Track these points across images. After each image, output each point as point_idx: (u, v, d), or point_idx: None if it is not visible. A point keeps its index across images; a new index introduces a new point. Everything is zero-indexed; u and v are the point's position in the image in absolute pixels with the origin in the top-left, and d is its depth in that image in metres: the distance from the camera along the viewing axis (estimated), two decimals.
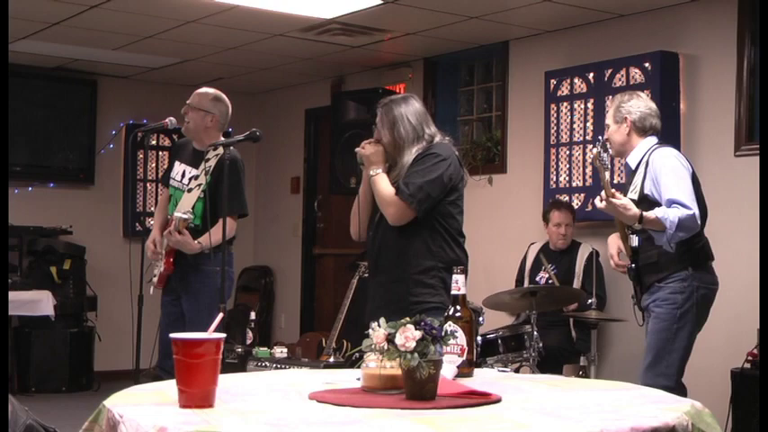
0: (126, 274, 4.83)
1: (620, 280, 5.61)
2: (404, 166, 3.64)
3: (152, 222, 4.98)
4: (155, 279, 4.80)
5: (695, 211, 4.00)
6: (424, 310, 3.44)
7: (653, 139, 4.27)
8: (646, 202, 4.06)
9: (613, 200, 3.94)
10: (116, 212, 8.66)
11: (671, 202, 4.00)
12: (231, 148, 4.43)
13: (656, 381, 3.88)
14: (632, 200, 4.12)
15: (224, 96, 4.85)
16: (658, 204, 4.04)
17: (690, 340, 4.17)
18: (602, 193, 3.98)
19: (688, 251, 4.08)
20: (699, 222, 4.04)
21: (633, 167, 4.22)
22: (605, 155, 3.97)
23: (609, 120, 4.33)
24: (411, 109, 3.68)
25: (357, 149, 3.72)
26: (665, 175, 4.06)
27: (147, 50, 7.50)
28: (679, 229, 3.97)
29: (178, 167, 4.86)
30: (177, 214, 4.57)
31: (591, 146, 4.01)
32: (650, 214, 3.97)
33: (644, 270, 4.20)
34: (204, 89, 4.86)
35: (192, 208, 4.66)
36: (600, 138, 4.08)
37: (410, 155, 3.64)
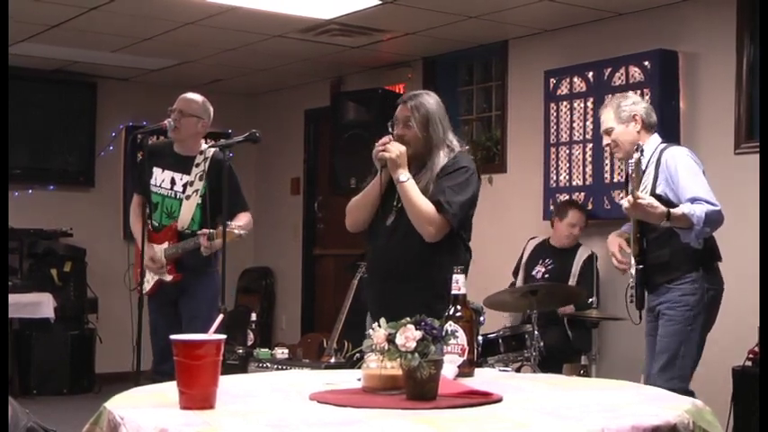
0: (126, 276, 4.82)
1: (615, 280, 5.61)
2: (432, 170, 3.53)
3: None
4: (147, 285, 4.74)
5: (720, 206, 3.99)
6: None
7: (657, 138, 4.25)
8: (659, 201, 4.04)
9: (640, 201, 3.91)
10: (116, 214, 8.64)
11: (693, 200, 3.97)
12: (218, 149, 4.44)
13: (671, 384, 3.83)
14: None
15: (207, 100, 4.87)
16: (671, 205, 4.02)
17: (701, 342, 4.15)
18: (629, 196, 3.95)
19: (698, 252, 4.07)
20: (724, 216, 4.01)
21: (643, 166, 4.19)
22: (643, 160, 3.98)
23: (611, 123, 4.23)
24: (440, 109, 3.61)
25: (378, 151, 3.52)
26: (682, 174, 4.03)
27: (146, 52, 7.50)
28: (706, 224, 3.94)
29: (162, 174, 4.78)
30: (238, 231, 4.42)
31: (634, 152, 4.00)
32: (677, 211, 3.94)
33: (652, 270, 4.18)
34: (191, 95, 4.83)
35: (192, 215, 4.66)
36: (639, 143, 4.05)
37: (439, 157, 3.54)
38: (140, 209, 4.77)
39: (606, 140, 4.30)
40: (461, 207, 3.51)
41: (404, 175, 3.50)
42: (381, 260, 3.67)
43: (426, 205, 3.49)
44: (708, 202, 3.97)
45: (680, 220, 3.95)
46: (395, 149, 3.51)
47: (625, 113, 4.22)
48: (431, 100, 3.63)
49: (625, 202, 3.98)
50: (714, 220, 3.97)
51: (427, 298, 3.47)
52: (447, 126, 3.62)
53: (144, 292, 4.69)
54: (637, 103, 4.26)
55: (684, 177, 4.04)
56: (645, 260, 4.19)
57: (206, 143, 4.84)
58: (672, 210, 3.93)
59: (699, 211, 3.93)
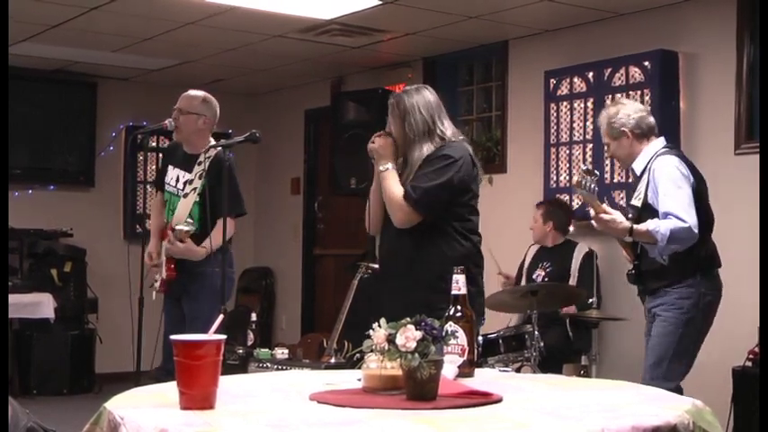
0: (126, 275, 4.83)
1: (615, 279, 5.61)
2: (414, 163, 3.55)
3: (147, 222, 4.96)
4: (156, 284, 4.79)
5: (690, 223, 3.95)
6: (440, 317, 3.39)
7: (659, 143, 4.22)
8: (649, 210, 4.04)
9: (603, 216, 3.92)
10: (116, 214, 8.66)
11: (666, 215, 3.96)
12: (220, 148, 4.44)
13: (654, 383, 3.86)
14: (635, 206, 4.10)
15: (212, 97, 4.84)
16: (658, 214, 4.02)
17: (694, 346, 4.15)
18: (592, 212, 3.96)
19: (695, 259, 4.05)
20: (695, 233, 3.98)
21: (638, 173, 4.19)
22: (589, 178, 3.92)
23: (606, 139, 4.27)
24: (422, 100, 3.59)
25: (368, 145, 3.65)
26: (663, 185, 4.02)
27: (146, 52, 7.50)
28: (671, 242, 3.93)
29: (172, 172, 4.83)
30: (179, 227, 4.53)
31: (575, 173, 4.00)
32: (641, 227, 3.94)
33: (648, 275, 4.18)
34: (192, 92, 4.83)
35: (189, 213, 4.66)
36: (583, 165, 4.05)
37: (421, 151, 3.54)
38: (157, 207, 4.94)
39: (607, 153, 4.33)
40: (427, 192, 3.49)
41: (383, 165, 3.58)
42: (383, 260, 3.74)
43: (395, 192, 3.54)
44: (678, 217, 3.94)
45: (644, 236, 3.96)
46: (378, 141, 3.61)
47: (615, 130, 4.22)
48: (415, 94, 3.62)
49: (592, 220, 4.00)
50: (680, 237, 3.94)
51: (423, 294, 3.51)
52: (436, 117, 3.60)
53: (156, 289, 4.74)
54: (627, 115, 4.20)
55: (663, 190, 4.01)
56: (640, 265, 4.19)
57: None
58: (635, 226, 3.94)
59: (664, 228, 3.92)
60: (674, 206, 3.97)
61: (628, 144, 4.19)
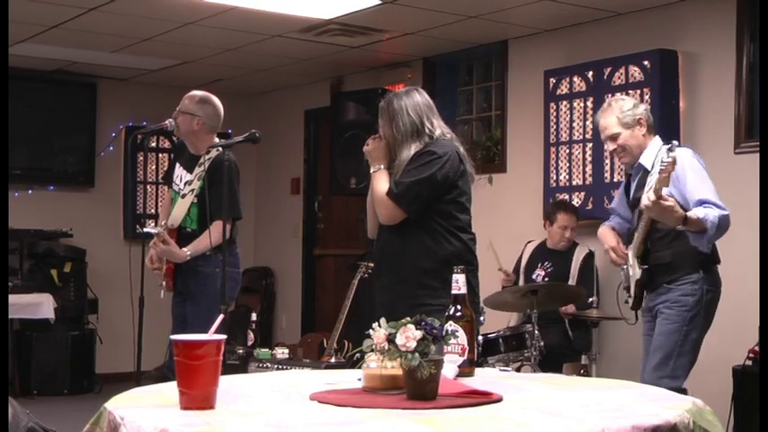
0: (127, 276, 4.83)
1: (615, 279, 5.59)
2: (402, 162, 3.59)
3: (152, 224, 4.96)
4: (163, 283, 4.80)
5: (728, 211, 3.96)
6: (426, 312, 3.40)
7: (659, 139, 4.25)
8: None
9: (662, 202, 3.88)
10: (116, 215, 8.66)
11: (702, 203, 3.95)
12: (220, 149, 4.43)
13: (661, 382, 3.85)
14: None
15: (213, 98, 4.78)
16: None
17: (698, 343, 4.15)
18: (651, 194, 3.89)
19: (699, 254, 4.06)
20: (730, 221, 4.00)
21: (649, 167, 4.17)
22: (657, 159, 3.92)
23: (616, 128, 4.19)
24: (411, 102, 3.62)
25: (363, 148, 3.71)
26: (690, 176, 4.01)
27: (146, 52, 7.50)
28: (718, 230, 3.94)
29: (177, 170, 4.85)
30: (145, 229, 4.58)
31: (668, 152, 3.86)
32: (692, 215, 3.92)
33: (654, 271, 4.18)
34: (192, 92, 4.80)
35: (188, 213, 4.66)
36: (672, 142, 3.96)
37: (408, 151, 3.58)
38: (165, 206, 4.95)
39: (611, 146, 4.25)
40: (409, 187, 3.52)
41: (375, 167, 3.65)
42: (375, 258, 3.79)
43: (380, 190, 3.60)
44: (717, 206, 3.95)
45: (695, 224, 3.93)
46: (371, 144, 3.67)
47: (629, 118, 4.19)
48: (404, 96, 3.66)
49: (645, 199, 3.92)
50: (724, 225, 3.96)
51: (409, 290, 3.57)
52: (425, 118, 3.62)
53: (163, 287, 4.75)
54: (637, 106, 4.24)
55: (692, 179, 4.02)
56: (648, 260, 4.18)
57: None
58: (689, 214, 3.91)
59: (712, 216, 3.91)
60: (709, 194, 3.98)
61: (641, 134, 4.19)
